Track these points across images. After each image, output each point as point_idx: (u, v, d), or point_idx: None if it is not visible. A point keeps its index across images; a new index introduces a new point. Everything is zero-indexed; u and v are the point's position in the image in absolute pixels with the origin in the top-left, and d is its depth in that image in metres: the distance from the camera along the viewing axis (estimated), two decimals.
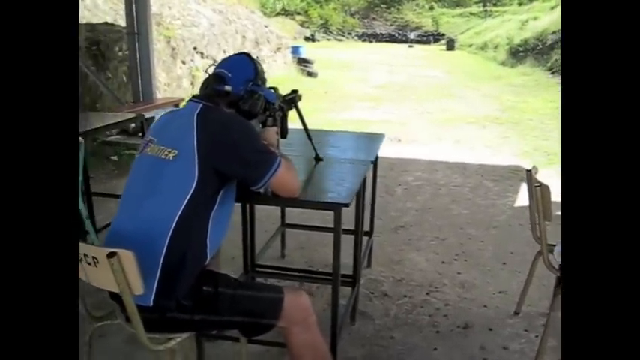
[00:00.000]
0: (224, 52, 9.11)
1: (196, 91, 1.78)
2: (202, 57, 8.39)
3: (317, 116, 8.25)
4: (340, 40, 31.34)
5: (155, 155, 1.54)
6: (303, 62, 13.54)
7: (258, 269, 2.60)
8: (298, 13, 32.69)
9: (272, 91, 1.87)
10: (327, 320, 2.20)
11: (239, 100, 1.66)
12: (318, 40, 28.41)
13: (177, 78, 7.65)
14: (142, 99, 5.96)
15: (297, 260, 3.11)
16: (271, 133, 1.87)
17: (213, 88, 1.66)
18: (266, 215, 3.20)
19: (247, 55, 1.74)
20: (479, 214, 3.90)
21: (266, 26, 11.59)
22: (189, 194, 1.48)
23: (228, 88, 1.65)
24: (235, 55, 1.76)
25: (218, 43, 8.92)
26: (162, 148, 1.54)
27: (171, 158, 1.51)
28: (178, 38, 7.78)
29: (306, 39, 27.26)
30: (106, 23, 6.39)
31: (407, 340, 2.32)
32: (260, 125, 1.89)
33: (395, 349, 2.26)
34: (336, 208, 1.71)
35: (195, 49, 8.20)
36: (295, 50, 13.70)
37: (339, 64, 16.00)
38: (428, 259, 3.13)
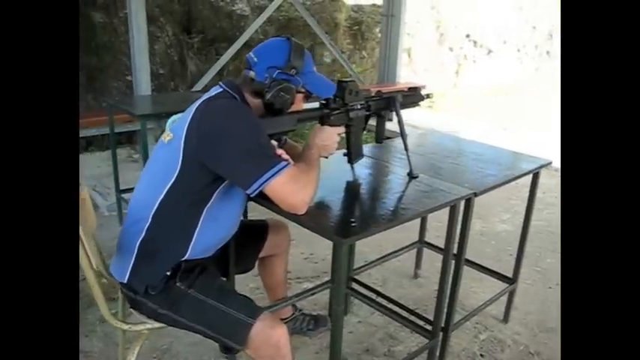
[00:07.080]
0: (504, 42, 8.38)
1: (462, 79, 1.66)
2: (475, 45, 7.88)
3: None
4: None
5: (162, 136, 1.50)
6: None
7: (354, 286, 2.31)
8: None
9: (330, 82, 1.58)
10: None
11: (264, 89, 1.45)
12: None
13: (440, 64, 7.38)
14: (385, 81, 5.98)
15: (428, 286, 2.68)
16: (325, 133, 1.59)
17: (244, 73, 1.50)
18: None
19: (288, 39, 1.50)
20: None
21: None
22: (171, 182, 1.41)
23: (252, 74, 1.46)
24: (275, 37, 1.54)
25: (498, 32, 8.21)
26: (167, 130, 1.48)
27: (166, 142, 1.45)
28: (450, 24, 7.45)
29: None
30: (373, 5, 6.54)
31: None
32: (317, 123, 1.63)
33: None
34: (335, 241, 1.36)
35: (467, 36, 7.74)
36: None
37: None
38: None
